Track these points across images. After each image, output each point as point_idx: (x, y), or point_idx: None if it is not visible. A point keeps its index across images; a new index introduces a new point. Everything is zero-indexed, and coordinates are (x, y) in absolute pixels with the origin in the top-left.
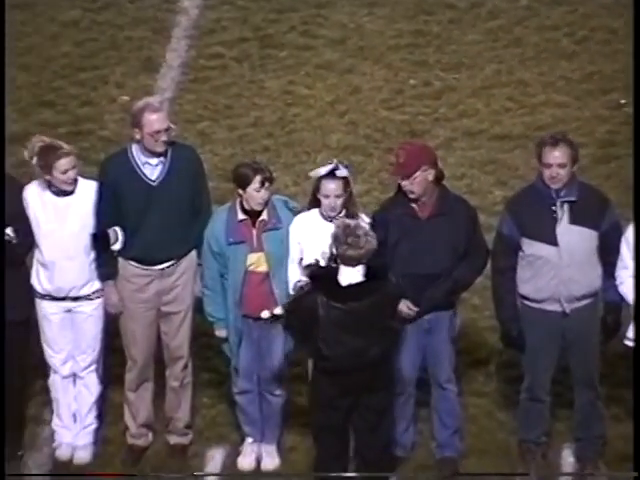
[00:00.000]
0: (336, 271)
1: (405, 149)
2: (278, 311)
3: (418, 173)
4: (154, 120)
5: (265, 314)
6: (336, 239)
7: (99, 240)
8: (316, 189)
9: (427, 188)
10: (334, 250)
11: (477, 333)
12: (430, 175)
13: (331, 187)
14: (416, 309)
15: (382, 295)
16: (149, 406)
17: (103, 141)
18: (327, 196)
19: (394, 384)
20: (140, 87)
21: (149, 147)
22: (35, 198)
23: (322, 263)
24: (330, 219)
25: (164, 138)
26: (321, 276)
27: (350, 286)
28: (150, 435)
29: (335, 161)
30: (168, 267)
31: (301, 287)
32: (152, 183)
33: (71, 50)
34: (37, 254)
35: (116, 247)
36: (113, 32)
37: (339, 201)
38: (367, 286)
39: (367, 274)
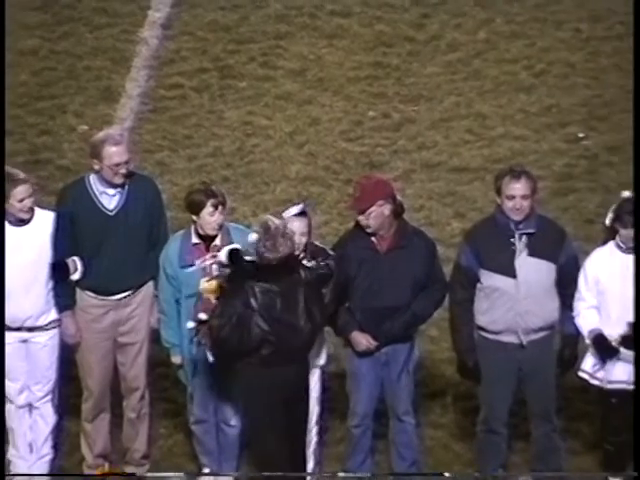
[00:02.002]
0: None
1: (361, 184)
2: (202, 316)
3: (373, 208)
4: (114, 153)
5: (190, 324)
6: (257, 240)
7: (58, 270)
8: None
9: (384, 222)
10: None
11: (434, 365)
12: (386, 210)
13: (296, 224)
14: (375, 344)
15: (302, 270)
16: (106, 436)
17: (61, 170)
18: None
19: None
20: (99, 117)
21: (108, 179)
22: None
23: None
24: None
25: (123, 170)
26: (243, 264)
27: (268, 266)
28: (106, 465)
29: (302, 204)
30: (124, 298)
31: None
32: (109, 213)
33: (29, 79)
34: None
35: (75, 277)
36: (72, 61)
37: (304, 239)
38: (285, 265)
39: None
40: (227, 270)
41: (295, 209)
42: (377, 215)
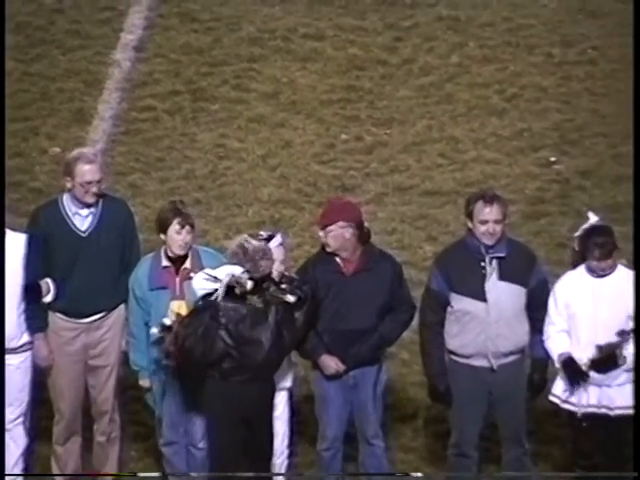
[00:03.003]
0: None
1: (330, 202)
2: (167, 321)
3: (333, 227)
4: (86, 171)
5: (154, 330)
6: (234, 256)
7: (30, 292)
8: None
9: (344, 244)
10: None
11: (405, 388)
12: (347, 233)
13: (276, 253)
14: (343, 367)
15: (275, 289)
16: (77, 460)
17: (34, 193)
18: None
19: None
20: (71, 139)
21: (79, 197)
22: None
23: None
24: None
25: (94, 189)
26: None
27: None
28: None
29: (280, 234)
30: (96, 320)
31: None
32: (82, 234)
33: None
34: None
35: (48, 299)
36: (45, 83)
37: (283, 266)
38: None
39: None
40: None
41: (278, 239)
42: (336, 235)
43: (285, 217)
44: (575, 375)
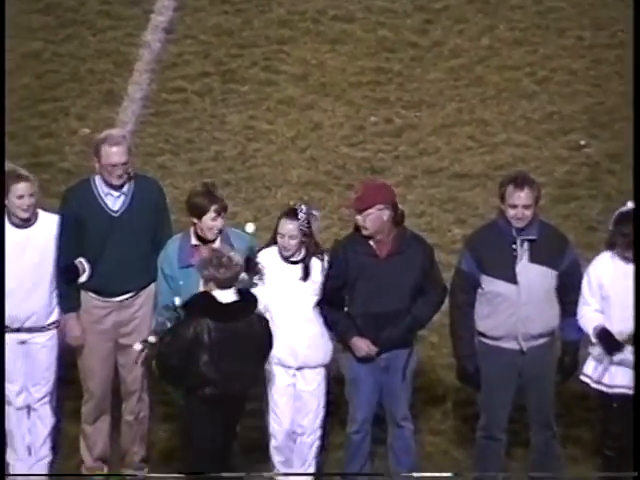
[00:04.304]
0: (210, 295)
1: (364, 184)
2: (152, 339)
3: (372, 210)
4: (112, 153)
5: (137, 346)
6: (210, 262)
7: (66, 272)
8: (275, 227)
9: (381, 227)
10: (206, 274)
11: (434, 371)
12: (385, 215)
13: (288, 227)
14: (375, 349)
15: (254, 315)
16: (106, 439)
17: (63, 173)
18: (282, 235)
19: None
20: (101, 120)
21: (105, 178)
22: None
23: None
24: (286, 259)
25: (119, 172)
26: (200, 300)
27: (231, 304)
28: (105, 469)
29: (299, 204)
30: (127, 299)
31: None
32: (113, 214)
33: (32, 82)
34: None
35: (83, 279)
36: (75, 64)
37: (293, 242)
38: (243, 305)
39: (240, 294)
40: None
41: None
42: (374, 218)
43: (314, 199)
44: (611, 346)
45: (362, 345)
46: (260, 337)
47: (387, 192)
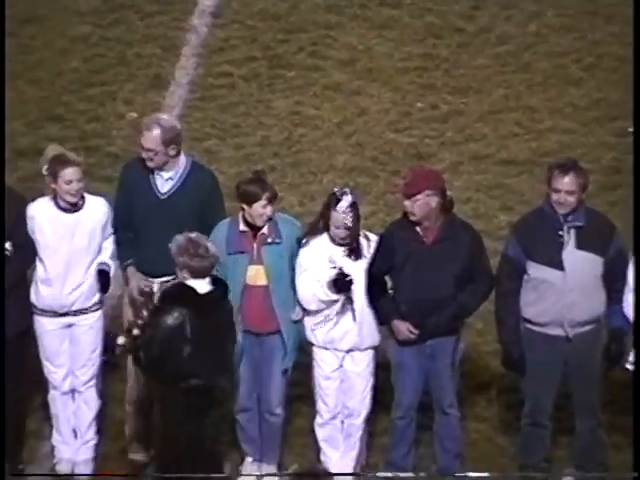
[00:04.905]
0: (187, 284)
1: (413, 170)
2: (136, 332)
3: (420, 196)
4: (144, 138)
5: (121, 340)
6: (184, 252)
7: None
8: (327, 217)
9: (429, 213)
10: (181, 263)
11: (480, 357)
12: (433, 201)
13: (340, 219)
14: (416, 332)
15: (229, 305)
16: (143, 421)
17: (110, 157)
18: (337, 227)
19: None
20: (148, 104)
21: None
22: (41, 214)
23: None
24: (340, 244)
25: (147, 155)
26: (177, 291)
27: (207, 294)
28: (152, 451)
29: (348, 190)
30: (167, 281)
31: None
32: (161, 196)
33: (80, 65)
34: (38, 270)
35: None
36: (122, 48)
37: (350, 230)
38: (218, 293)
39: (212, 283)
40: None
41: (348, 199)
42: (423, 204)
43: (360, 185)
44: None
45: (402, 328)
46: (230, 322)
47: (436, 178)
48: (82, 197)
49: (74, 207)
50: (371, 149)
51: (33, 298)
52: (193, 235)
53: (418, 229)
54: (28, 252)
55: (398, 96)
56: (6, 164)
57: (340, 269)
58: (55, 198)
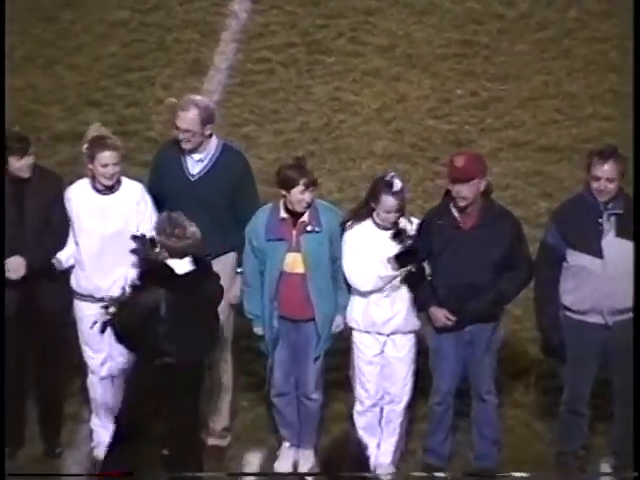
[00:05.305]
0: (166, 264)
1: (464, 155)
2: (112, 309)
3: (475, 180)
4: (179, 117)
5: (98, 315)
6: (162, 231)
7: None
8: (375, 202)
9: (476, 198)
10: (160, 242)
11: (518, 344)
12: (482, 186)
13: (392, 202)
14: (453, 319)
15: (211, 285)
16: None
17: (149, 142)
18: (388, 212)
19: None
20: (187, 89)
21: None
22: (79, 196)
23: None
24: (386, 229)
25: (184, 136)
26: (155, 270)
27: (186, 275)
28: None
29: (391, 174)
30: None
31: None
32: (191, 178)
33: (119, 50)
34: (76, 254)
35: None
36: (161, 34)
37: (397, 214)
38: (198, 274)
39: (195, 263)
40: None
41: (397, 185)
42: (474, 189)
43: (399, 171)
44: None
45: (439, 315)
46: (214, 297)
47: (483, 163)
48: (118, 180)
49: (110, 189)
50: (410, 135)
51: (72, 282)
52: (174, 214)
53: (456, 215)
54: (63, 234)
55: (437, 82)
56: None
57: (406, 242)
58: (93, 179)
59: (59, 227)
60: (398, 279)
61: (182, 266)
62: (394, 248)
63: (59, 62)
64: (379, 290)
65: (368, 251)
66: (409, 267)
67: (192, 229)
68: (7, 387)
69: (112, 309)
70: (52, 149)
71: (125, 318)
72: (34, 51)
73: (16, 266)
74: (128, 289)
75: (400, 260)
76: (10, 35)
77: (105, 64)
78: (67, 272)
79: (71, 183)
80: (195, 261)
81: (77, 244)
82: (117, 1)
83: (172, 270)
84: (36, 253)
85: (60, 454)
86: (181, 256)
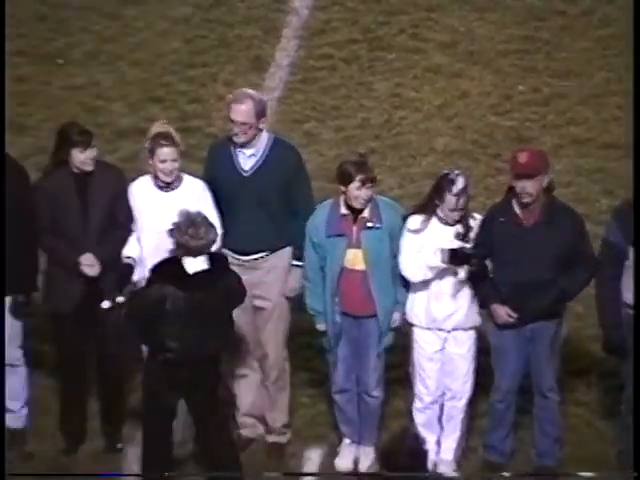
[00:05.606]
0: (180, 261)
1: (527, 151)
2: (120, 299)
3: (540, 177)
4: (236, 110)
5: (105, 304)
6: (177, 228)
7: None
8: (439, 199)
9: (539, 195)
10: (178, 240)
11: (580, 341)
12: (544, 182)
13: (456, 201)
14: (515, 316)
15: (225, 286)
16: (251, 398)
17: (210, 138)
18: (452, 210)
19: (219, 384)
20: (249, 86)
21: (233, 136)
22: (141, 192)
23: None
24: (448, 224)
25: (239, 129)
26: (167, 267)
27: (197, 274)
28: (259, 428)
29: (455, 172)
30: (256, 259)
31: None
32: (244, 173)
33: (181, 47)
34: (138, 250)
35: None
36: (223, 30)
37: (461, 212)
38: (212, 274)
39: (211, 263)
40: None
41: (461, 182)
42: (538, 185)
43: (460, 168)
44: None
45: (501, 312)
46: (229, 298)
47: (546, 159)
48: (178, 177)
49: (169, 186)
50: (471, 132)
51: (135, 278)
52: (192, 213)
53: (518, 212)
54: (128, 230)
55: (499, 79)
56: (106, 144)
57: (465, 243)
58: (155, 176)
59: (124, 223)
60: (462, 276)
61: (194, 265)
62: (448, 242)
63: (122, 58)
64: (430, 282)
65: (423, 242)
66: (471, 265)
67: (204, 229)
68: (67, 383)
69: (120, 298)
70: (114, 145)
71: (132, 309)
72: (97, 48)
73: (91, 262)
74: (143, 282)
75: (453, 256)
76: (72, 32)
77: (167, 60)
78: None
79: (134, 179)
80: (211, 261)
81: (139, 240)
82: None
83: (182, 268)
84: (102, 249)
85: (121, 450)
86: (194, 255)
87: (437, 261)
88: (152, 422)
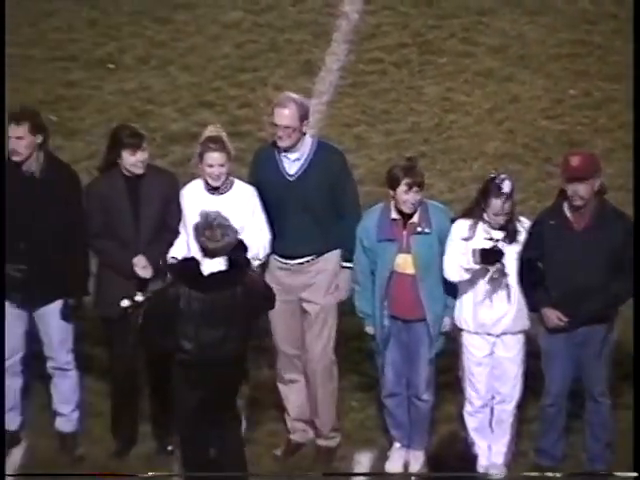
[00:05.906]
0: (197, 262)
1: (579, 154)
2: (139, 298)
3: (591, 179)
4: (277, 114)
5: (125, 303)
6: (196, 230)
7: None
8: (485, 203)
9: (591, 198)
10: (198, 240)
11: (629, 346)
12: (596, 185)
13: (501, 205)
14: (566, 320)
15: (243, 287)
16: (299, 402)
17: (261, 143)
18: (497, 214)
19: (244, 383)
20: (299, 90)
21: (276, 140)
22: (192, 196)
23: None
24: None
25: (283, 133)
26: (183, 267)
27: (212, 275)
28: (310, 432)
29: (502, 177)
30: (302, 263)
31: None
32: (289, 178)
33: (231, 51)
34: (188, 253)
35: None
36: (274, 34)
37: (507, 217)
38: (229, 276)
39: (229, 264)
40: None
41: (507, 185)
42: (590, 188)
43: (511, 172)
44: None
45: (552, 316)
46: (248, 300)
47: (599, 162)
48: (229, 181)
49: (218, 190)
50: (522, 136)
51: None
52: (211, 214)
53: (569, 215)
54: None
55: (550, 83)
56: (157, 149)
57: (496, 241)
58: (205, 180)
59: (175, 227)
60: (494, 276)
61: (210, 266)
62: (483, 242)
63: (172, 63)
64: (476, 286)
65: (465, 243)
66: (496, 266)
67: (221, 232)
68: (118, 386)
69: (139, 297)
70: (165, 149)
71: (149, 308)
72: (148, 52)
73: (144, 264)
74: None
75: (484, 255)
76: (123, 37)
77: (218, 65)
78: None
79: (185, 184)
80: (231, 263)
81: (188, 243)
82: (230, 2)
83: (199, 268)
84: (154, 252)
85: (172, 452)
86: (211, 256)
87: (470, 262)
88: (181, 423)
